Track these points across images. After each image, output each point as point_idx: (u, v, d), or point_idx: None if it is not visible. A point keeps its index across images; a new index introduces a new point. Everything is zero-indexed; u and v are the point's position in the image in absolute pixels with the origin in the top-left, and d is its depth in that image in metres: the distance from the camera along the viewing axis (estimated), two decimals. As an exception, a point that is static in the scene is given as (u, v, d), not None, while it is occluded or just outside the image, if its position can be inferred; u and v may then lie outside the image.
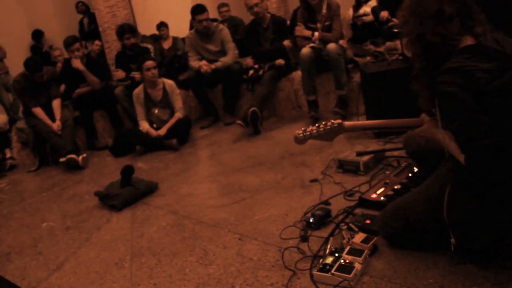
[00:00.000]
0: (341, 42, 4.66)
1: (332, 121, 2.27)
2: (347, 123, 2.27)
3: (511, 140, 1.62)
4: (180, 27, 7.59)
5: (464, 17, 1.77)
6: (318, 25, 4.66)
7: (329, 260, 2.06)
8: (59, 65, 6.15)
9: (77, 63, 5.51)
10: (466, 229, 1.83)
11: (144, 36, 7.37)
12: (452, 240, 1.86)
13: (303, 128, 2.30)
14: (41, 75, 5.11)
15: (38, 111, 5.20)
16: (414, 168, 2.78)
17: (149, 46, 6.31)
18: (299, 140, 2.30)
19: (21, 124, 5.63)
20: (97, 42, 8.28)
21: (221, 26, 5.63)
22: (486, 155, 1.61)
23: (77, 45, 5.58)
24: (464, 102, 1.64)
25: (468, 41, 1.77)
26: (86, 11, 9.39)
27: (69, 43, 5.56)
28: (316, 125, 2.28)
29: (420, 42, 1.82)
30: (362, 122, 2.29)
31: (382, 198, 2.57)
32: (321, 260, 2.10)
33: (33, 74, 5.08)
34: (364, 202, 2.61)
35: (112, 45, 7.80)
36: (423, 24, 1.79)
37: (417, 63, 1.89)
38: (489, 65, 1.65)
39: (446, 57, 1.75)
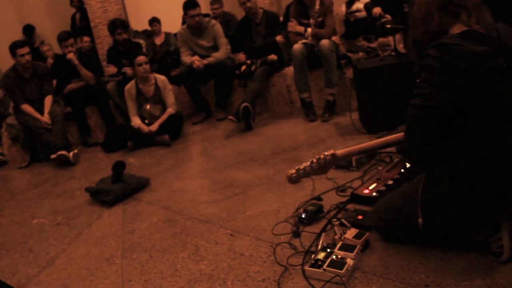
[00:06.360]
0: (333, 38, 4.65)
1: (325, 153, 2.17)
2: (339, 152, 2.18)
3: (485, 126, 1.66)
4: (172, 22, 7.56)
5: (445, 10, 1.83)
6: (311, 21, 4.65)
7: (321, 255, 2.06)
8: (50, 60, 6.10)
9: (71, 55, 5.45)
10: (435, 211, 1.88)
11: (136, 31, 7.33)
12: (419, 219, 1.90)
13: (296, 167, 2.18)
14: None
15: (27, 107, 5.16)
16: (406, 163, 2.79)
17: (141, 41, 6.27)
18: (293, 180, 2.18)
19: (11, 119, 5.57)
20: (85, 38, 8.21)
21: (213, 21, 5.60)
22: (417, 129, 1.69)
23: (71, 40, 5.53)
24: (437, 77, 1.69)
25: (462, 28, 1.80)
26: (80, 6, 9.30)
27: (63, 37, 5.51)
28: (310, 161, 2.17)
29: (416, 46, 1.92)
30: (354, 147, 2.24)
31: (374, 193, 2.57)
32: (313, 256, 2.10)
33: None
34: (356, 198, 2.62)
35: (103, 41, 7.76)
36: (415, 30, 1.91)
37: (417, 68, 1.95)
38: (479, 48, 1.67)
39: None
